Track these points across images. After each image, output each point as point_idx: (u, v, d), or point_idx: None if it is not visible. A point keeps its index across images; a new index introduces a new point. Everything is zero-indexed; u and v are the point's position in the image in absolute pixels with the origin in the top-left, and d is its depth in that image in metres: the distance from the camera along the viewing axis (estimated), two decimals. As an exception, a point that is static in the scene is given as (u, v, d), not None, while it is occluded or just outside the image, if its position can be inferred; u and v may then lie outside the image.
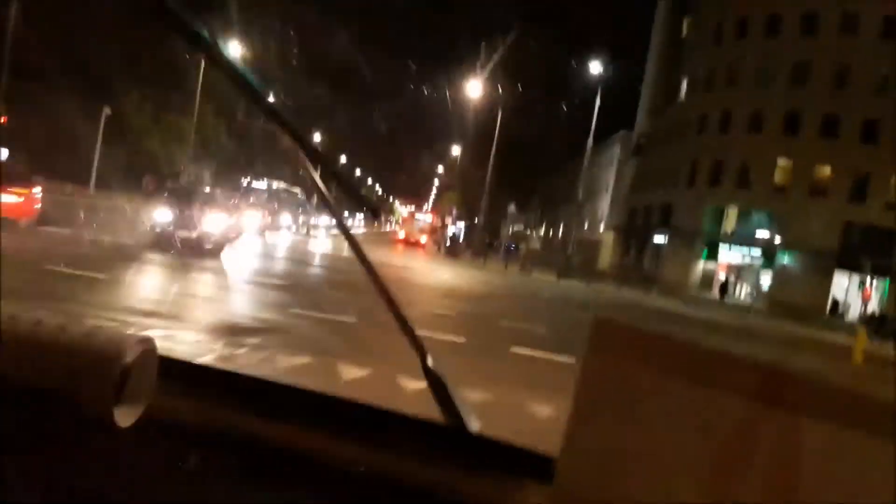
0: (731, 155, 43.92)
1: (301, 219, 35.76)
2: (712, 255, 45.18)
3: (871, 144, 40.47)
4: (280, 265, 18.91)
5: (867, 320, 32.06)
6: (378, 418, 0.93)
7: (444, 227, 48.25)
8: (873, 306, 40.66)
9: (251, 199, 29.07)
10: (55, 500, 0.56)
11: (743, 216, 44.72)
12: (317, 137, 43.25)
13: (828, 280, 41.97)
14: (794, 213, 41.34)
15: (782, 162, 43.02)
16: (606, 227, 62.87)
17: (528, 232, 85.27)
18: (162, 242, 14.17)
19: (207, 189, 19.51)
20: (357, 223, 55.07)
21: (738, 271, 45.98)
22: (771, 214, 42.54)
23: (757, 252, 43.50)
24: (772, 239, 42.24)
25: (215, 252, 15.25)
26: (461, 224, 51.50)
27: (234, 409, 0.90)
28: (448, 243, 38.40)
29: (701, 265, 45.74)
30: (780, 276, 42.25)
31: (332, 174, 0.94)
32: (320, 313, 9.77)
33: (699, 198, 45.36)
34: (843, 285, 42.55)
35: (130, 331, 0.77)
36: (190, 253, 14.15)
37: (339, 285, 13.88)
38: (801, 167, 42.23)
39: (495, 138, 38.73)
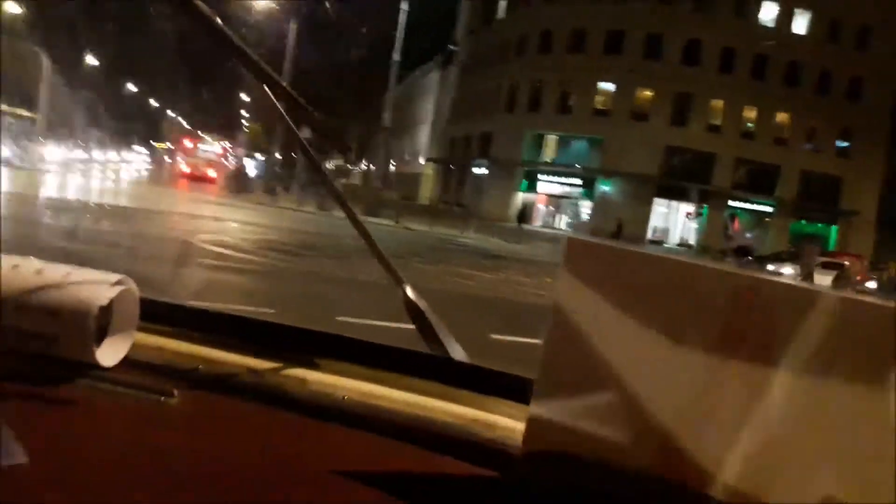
0: (552, 78, 41.01)
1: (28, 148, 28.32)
2: (532, 186, 42.54)
3: (694, 66, 38.88)
4: None
5: (735, 252, 30.22)
6: (362, 350, 0.94)
7: (238, 159, 42.01)
8: (692, 235, 39.82)
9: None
10: (34, 444, 0.55)
11: (563, 144, 42.33)
12: (92, 60, 34.92)
13: (648, 207, 40.60)
14: (615, 139, 39.34)
15: (604, 85, 40.62)
16: (427, 160, 59.00)
17: (347, 166, 79.71)
18: None
19: None
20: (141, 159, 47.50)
21: (558, 202, 43.82)
22: (592, 141, 40.33)
23: (577, 181, 41.37)
24: (592, 167, 40.14)
25: None
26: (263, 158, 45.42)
27: (216, 346, 0.90)
28: (238, 177, 32.98)
29: (521, 197, 42.99)
30: (600, 205, 40.35)
31: (305, 114, 0.96)
32: None
33: (519, 125, 42.26)
34: (662, 212, 41.43)
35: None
36: None
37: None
38: (622, 90, 40.06)
39: (288, 56, 32.77)
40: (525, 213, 37.83)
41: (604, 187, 40.87)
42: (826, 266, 28.19)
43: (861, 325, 0.54)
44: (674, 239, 40.89)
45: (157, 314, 0.92)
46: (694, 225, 41.18)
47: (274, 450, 0.70)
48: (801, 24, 40.55)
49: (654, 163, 39.76)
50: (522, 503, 0.64)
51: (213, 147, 40.09)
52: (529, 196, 43.04)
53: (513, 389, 0.83)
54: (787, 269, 26.85)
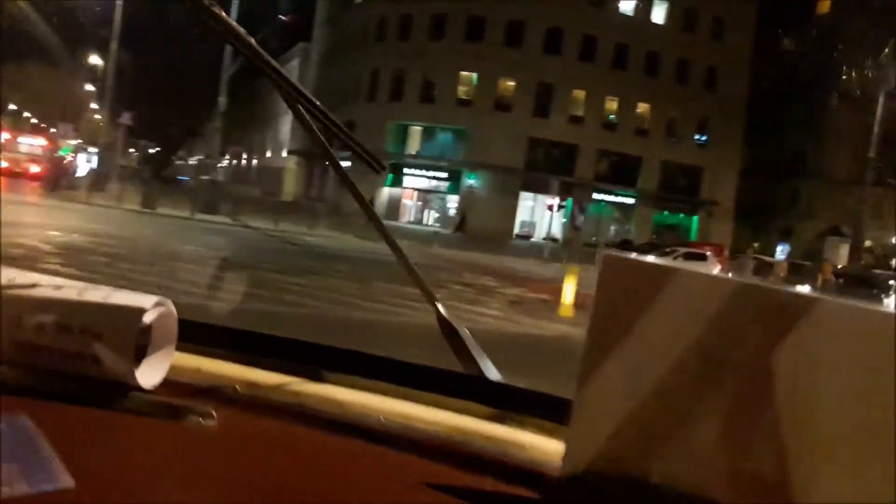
0: (413, 66, 39.09)
1: None
2: (399, 180, 40.62)
3: (555, 55, 38.07)
4: None
5: (619, 246, 29.11)
6: (397, 370, 0.95)
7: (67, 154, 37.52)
8: (560, 228, 39.09)
9: None
10: (78, 467, 0.57)
11: (428, 136, 40.65)
12: None
13: (515, 201, 39.58)
14: (479, 131, 37.99)
15: (466, 73, 39.18)
16: (289, 152, 55.89)
17: (208, 160, 75.13)
18: None
19: None
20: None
21: (426, 196, 42.14)
22: (457, 133, 38.87)
23: (444, 175, 39.81)
24: (457, 160, 38.68)
25: None
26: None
27: (253, 366, 0.92)
28: (57, 174, 29.22)
29: (386, 192, 40.95)
30: (466, 199, 38.89)
31: (333, 127, 0.98)
32: None
33: (381, 115, 40.14)
34: (529, 206, 40.56)
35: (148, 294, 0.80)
36: None
37: None
38: (485, 79, 38.77)
39: (114, 35, 29.21)
40: (372, 203, 35.77)
41: (469, 181, 39.50)
42: (689, 257, 28.01)
43: None
44: (541, 233, 40.09)
45: (195, 335, 0.92)
46: (562, 219, 40.58)
47: (314, 471, 0.72)
48: (658, 13, 40.68)
49: (519, 155, 38.77)
50: None
51: (36, 140, 35.31)
52: (396, 191, 41.13)
53: (550, 409, 0.83)
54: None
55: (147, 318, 0.77)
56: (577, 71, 38.26)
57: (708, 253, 28.63)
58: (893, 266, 32.63)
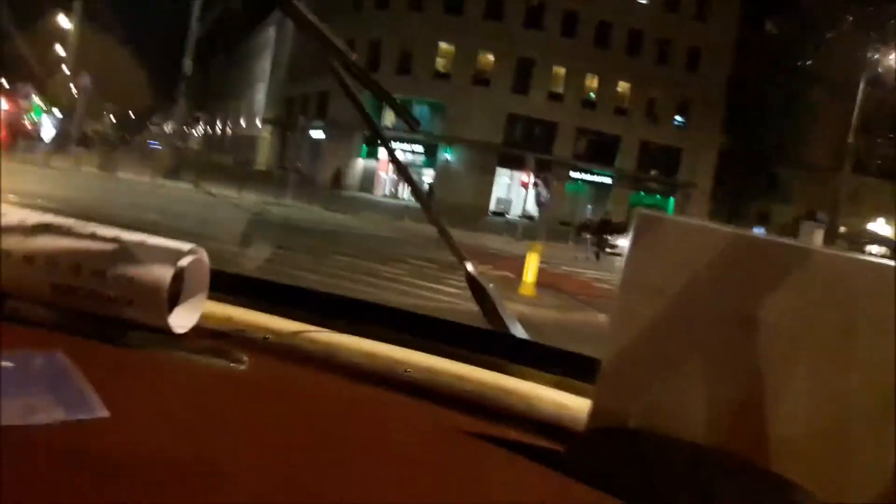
0: (391, 36, 38.11)
1: None
2: (374, 153, 39.81)
3: (536, 30, 37.31)
4: None
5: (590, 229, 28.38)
6: (423, 324, 0.95)
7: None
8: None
9: None
10: (113, 401, 0.59)
11: (405, 108, 39.71)
12: None
13: (491, 177, 38.99)
14: (457, 105, 37.23)
15: (445, 46, 38.30)
16: (263, 121, 54.72)
17: (168, 128, 73.82)
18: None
19: None
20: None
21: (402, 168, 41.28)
22: (434, 107, 38.03)
23: (420, 149, 39.06)
24: (435, 134, 37.93)
25: None
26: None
27: (285, 317, 0.92)
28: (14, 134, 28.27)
29: (361, 163, 40.16)
30: (443, 174, 38.21)
31: (369, 83, 1.00)
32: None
33: (356, 85, 39.07)
34: (506, 183, 39.99)
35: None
36: None
37: None
38: (464, 53, 37.94)
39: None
40: (339, 177, 35.06)
41: (446, 155, 38.79)
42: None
43: None
44: (517, 210, 39.58)
45: (227, 285, 0.93)
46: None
47: (342, 418, 0.72)
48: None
49: (497, 131, 38.11)
50: (587, 477, 0.63)
51: None
52: (371, 163, 40.35)
53: (577, 367, 0.84)
54: (622, 241, 25.74)
55: (181, 264, 0.78)
56: (558, 47, 37.57)
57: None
58: (866, 251, 32.59)
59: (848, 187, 30.03)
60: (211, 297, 0.85)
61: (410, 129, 1.02)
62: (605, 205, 40.41)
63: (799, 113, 37.96)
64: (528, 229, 27.67)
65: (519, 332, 0.96)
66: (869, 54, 29.58)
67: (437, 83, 38.27)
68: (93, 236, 0.79)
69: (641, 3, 39.55)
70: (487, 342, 0.91)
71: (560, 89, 39.00)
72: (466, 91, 37.67)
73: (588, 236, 25.97)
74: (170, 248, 0.78)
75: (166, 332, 0.77)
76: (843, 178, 29.31)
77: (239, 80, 63.42)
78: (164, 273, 0.76)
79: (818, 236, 30.62)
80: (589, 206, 40.15)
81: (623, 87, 40.07)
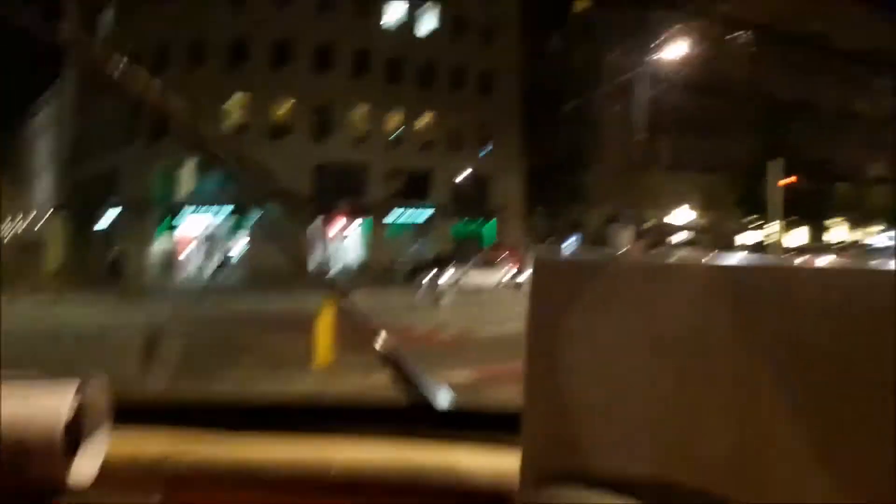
0: (175, 95, 35.47)
1: None
2: (171, 229, 36.78)
3: (329, 70, 36.34)
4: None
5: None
6: (342, 414, 0.93)
7: None
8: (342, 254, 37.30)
9: None
10: None
11: (203, 172, 37.14)
12: None
13: (307, 232, 37.06)
14: (258, 158, 35.06)
15: (237, 96, 36.34)
16: (51, 210, 49.64)
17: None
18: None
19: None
20: None
21: (212, 242, 38.45)
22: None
23: (227, 213, 36.53)
24: (241, 194, 35.55)
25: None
26: None
27: (194, 434, 0.88)
28: None
29: (164, 243, 36.92)
30: (255, 238, 35.84)
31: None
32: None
33: (147, 156, 36.16)
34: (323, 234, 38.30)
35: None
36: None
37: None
38: (256, 103, 36.19)
39: None
40: (117, 265, 31.45)
41: (256, 215, 36.52)
42: (487, 263, 27.19)
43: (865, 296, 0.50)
44: (337, 262, 37.97)
45: (128, 411, 0.87)
46: (359, 242, 38.74)
47: None
48: (430, 22, 40.28)
49: (306, 182, 36.49)
50: None
51: None
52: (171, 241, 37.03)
53: (502, 424, 0.83)
54: (449, 273, 24.87)
55: (70, 410, 0.71)
56: (353, 88, 36.81)
57: (504, 255, 27.89)
58: (670, 243, 34.25)
59: (642, 184, 31.19)
60: (117, 428, 0.77)
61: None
62: (433, 241, 39.88)
63: (590, 120, 39.59)
64: (354, 279, 26.23)
65: (441, 398, 0.91)
66: (646, 57, 31.12)
67: (233, 140, 36.19)
68: None
69: (427, 36, 39.81)
70: (410, 418, 0.88)
71: (364, 130, 38.20)
72: (265, 145, 35.90)
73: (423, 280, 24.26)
74: (57, 393, 0.70)
75: (73, 486, 0.70)
76: (637, 175, 30.40)
77: (24, 172, 57.82)
78: (55, 428, 0.68)
79: (626, 235, 31.69)
80: (415, 245, 39.37)
81: (425, 119, 39.95)
